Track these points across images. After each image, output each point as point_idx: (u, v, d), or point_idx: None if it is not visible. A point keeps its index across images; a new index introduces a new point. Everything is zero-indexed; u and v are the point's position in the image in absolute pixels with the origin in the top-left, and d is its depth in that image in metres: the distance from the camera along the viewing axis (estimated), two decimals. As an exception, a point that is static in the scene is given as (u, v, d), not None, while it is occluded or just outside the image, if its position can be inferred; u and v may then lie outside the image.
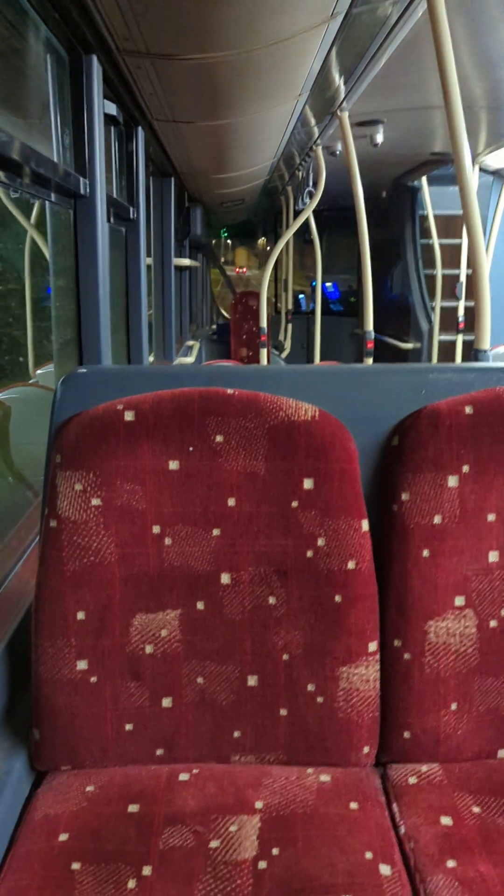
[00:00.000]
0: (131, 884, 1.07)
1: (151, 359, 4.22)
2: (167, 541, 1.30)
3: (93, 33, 1.89)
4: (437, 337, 6.31)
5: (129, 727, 1.30)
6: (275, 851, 1.12)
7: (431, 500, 1.30)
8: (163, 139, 3.41)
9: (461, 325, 5.97)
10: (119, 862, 1.10)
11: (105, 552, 1.28)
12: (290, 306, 8.15)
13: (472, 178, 2.06)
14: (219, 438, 1.30)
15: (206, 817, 1.19)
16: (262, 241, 11.44)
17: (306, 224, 5.89)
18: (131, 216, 3.00)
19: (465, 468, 1.30)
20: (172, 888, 1.06)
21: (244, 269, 12.04)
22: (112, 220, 2.70)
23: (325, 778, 1.28)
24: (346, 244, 9.04)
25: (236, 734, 1.32)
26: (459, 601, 1.30)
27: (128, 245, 3.05)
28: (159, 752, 1.32)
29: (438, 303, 6.21)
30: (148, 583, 1.30)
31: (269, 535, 1.30)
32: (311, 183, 5.15)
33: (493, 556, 1.31)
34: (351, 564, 1.29)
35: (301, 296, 9.16)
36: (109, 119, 2.59)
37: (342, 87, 3.16)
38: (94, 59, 2.00)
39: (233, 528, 1.31)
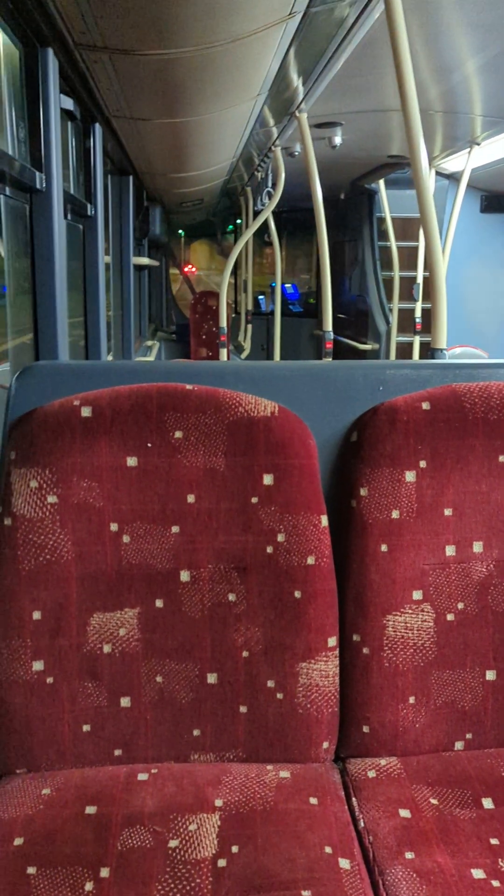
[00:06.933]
0: (88, 886, 1.05)
1: (110, 358, 4.18)
2: (125, 538, 1.29)
3: (48, 26, 1.87)
4: (395, 338, 6.37)
5: (86, 728, 1.29)
6: (234, 849, 1.11)
7: (389, 496, 1.31)
8: (121, 136, 3.38)
9: (418, 327, 6.04)
10: (76, 865, 1.09)
11: (62, 550, 1.26)
12: (250, 307, 8.16)
13: (429, 181, 2.08)
14: (178, 434, 1.29)
15: (164, 817, 1.17)
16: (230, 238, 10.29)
17: (266, 225, 5.89)
18: (89, 213, 2.97)
19: (423, 463, 1.31)
20: (130, 890, 1.05)
21: (193, 269, 10.51)
22: (69, 216, 2.67)
23: (284, 774, 1.27)
24: (305, 246, 9.07)
25: (196, 733, 1.31)
26: (417, 595, 1.31)
27: (85, 242, 3.02)
28: (118, 752, 1.30)
29: (396, 304, 6.28)
30: (105, 581, 1.29)
31: (228, 531, 1.30)
32: (270, 184, 5.16)
33: (449, 551, 1.33)
34: (310, 560, 1.29)
35: (261, 297, 9.17)
36: (66, 114, 2.56)
37: (300, 88, 3.17)
38: (50, 52, 1.97)
39: (192, 524, 1.30)
